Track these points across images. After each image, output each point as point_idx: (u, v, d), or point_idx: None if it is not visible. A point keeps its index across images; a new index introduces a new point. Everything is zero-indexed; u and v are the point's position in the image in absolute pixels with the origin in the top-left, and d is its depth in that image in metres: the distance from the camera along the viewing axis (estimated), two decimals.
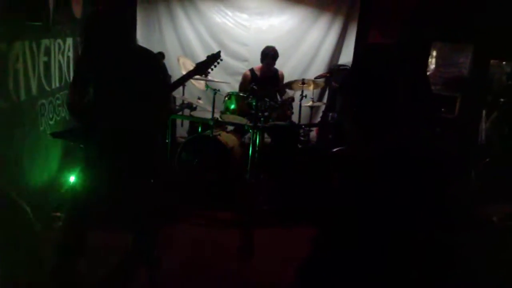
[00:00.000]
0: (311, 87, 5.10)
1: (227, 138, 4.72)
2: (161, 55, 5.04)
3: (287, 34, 5.97)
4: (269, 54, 5.10)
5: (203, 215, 4.02)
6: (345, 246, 1.79)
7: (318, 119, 5.99)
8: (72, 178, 3.52)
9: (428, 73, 5.28)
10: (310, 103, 5.04)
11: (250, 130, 4.47)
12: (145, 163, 2.75)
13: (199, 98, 5.20)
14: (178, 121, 5.37)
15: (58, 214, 3.34)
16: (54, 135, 3.45)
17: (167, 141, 4.63)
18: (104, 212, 3.08)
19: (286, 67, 5.77)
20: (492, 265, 2.84)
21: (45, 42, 3.55)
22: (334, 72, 5.78)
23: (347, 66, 5.89)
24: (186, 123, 5.42)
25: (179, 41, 5.94)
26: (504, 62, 5.12)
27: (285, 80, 5.39)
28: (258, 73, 5.29)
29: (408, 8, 5.00)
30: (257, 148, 4.36)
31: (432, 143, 1.94)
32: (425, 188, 1.81)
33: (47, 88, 3.64)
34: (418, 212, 1.77)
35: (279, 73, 5.38)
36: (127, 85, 2.55)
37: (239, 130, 5.11)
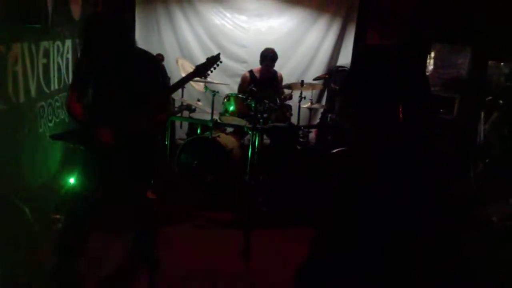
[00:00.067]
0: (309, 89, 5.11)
1: (226, 139, 4.72)
2: (160, 57, 5.06)
3: (286, 35, 5.98)
4: (268, 56, 5.10)
5: (202, 216, 4.01)
6: (344, 247, 1.79)
7: (317, 120, 6.00)
8: (71, 180, 3.52)
9: (427, 74, 5.28)
10: (308, 105, 5.05)
11: (249, 132, 4.47)
12: (145, 165, 2.76)
13: (198, 100, 5.20)
14: (177, 123, 5.38)
15: (58, 216, 3.34)
16: (54, 137, 3.44)
17: (166, 143, 4.63)
18: (104, 213, 3.08)
19: (285, 69, 5.78)
20: (492, 265, 2.85)
21: (44, 44, 3.56)
22: (332, 73, 5.79)
23: (346, 67, 5.90)
24: (185, 124, 5.43)
25: (177, 43, 5.94)
26: (502, 63, 5.13)
27: (284, 82, 5.40)
28: (257, 74, 5.29)
29: (406, 10, 5.02)
30: (256, 150, 4.36)
31: (432, 143, 1.94)
32: (425, 189, 1.81)
33: (46, 90, 3.64)
34: (418, 213, 1.78)
35: (278, 74, 5.38)
36: (126, 87, 2.55)
37: (238, 132, 5.11)
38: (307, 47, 6.04)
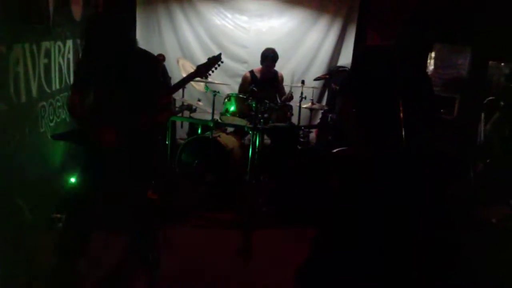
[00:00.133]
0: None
1: (227, 139, 4.72)
2: (161, 57, 5.06)
3: (286, 36, 5.99)
4: (269, 56, 5.11)
5: (202, 216, 4.02)
6: (344, 247, 1.79)
7: (318, 120, 6.01)
8: (72, 180, 3.53)
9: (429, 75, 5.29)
10: (309, 105, 5.05)
11: (250, 132, 4.47)
12: (145, 165, 2.76)
13: (199, 100, 5.21)
14: (178, 123, 5.38)
15: (59, 215, 3.35)
16: (55, 137, 3.46)
17: (167, 142, 4.63)
18: (104, 213, 3.09)
19: (286, 69, 5.79)
20: (491, 265, 2.85)
21: (45, 44, 3.56)
22: (333, 73, 5.80)
23: (346, 67, 5.91)
24: (186, 124, 5.43)
25: (178, 43, 5.95)
26: (502, 63, 5.13)
27: (285, 82, 5.41)
28: (258, 75, 5.30)
29: (406, 10, 5.01)
30: (256, 150, 4.37)
31: (432, 144, 1.95)
32: (425, 189, 1.82)
33: (47, 90, 3.64)
34: (417, 213, 1.79)
35: (279, 75, 5.39)
36: (127, 87, 2.56)
37: (239, 132, 5.12)
38: (307, 47, 6.05)
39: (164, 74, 5.03)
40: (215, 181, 4.50)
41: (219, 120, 4.64)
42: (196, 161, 4.50)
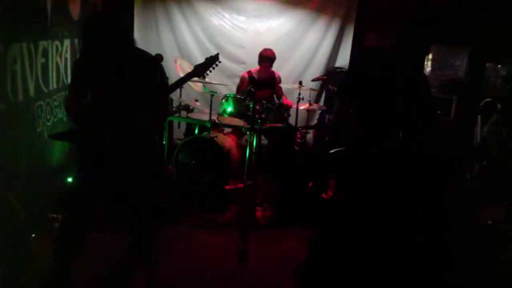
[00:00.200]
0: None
1: (224, 140, 4.72)
2: (159, 57, 5.06)
3: (284, 36, 5.99)
4: (267, 57, 5.11)
5: (200, 216, 4.01)
6: (344, 247, 1.80)
7: (315, 121, 6.01)
8: (69, 179, 3.52)
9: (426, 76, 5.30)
10: (306, 106, 5.05)
11: (247, 132, 4.48)
12: (144, 165, 2.75)
13: (196, 100, 5.21)
14: (175, 123, 5.37)
15: (55, 215, 3.34)
16: (52, 136, 3.44)
17: (164, 142, 4.63)
18: (102, 213, 3.08)
19: (284, 70, 5.79)
20: (490, 265, 2.86)
21: (42, 43, 3.55)
22: (331, 74, 5.81)
23: (344, 68, 5.92)
24: (183, 125, 5.42)
25: (176, 43, 5.94)
26: (499, 65, 5.15)
27: (282, 83, 5.41)
28: (255, 75, 5.30)
29: (404, 11, 5.03)
30: (254, 150, 4.37)
31: (430, 145, 1.96)
32: (422, 190, 1.83)
33: (44, 89, 3.63)
34: (416, 213, 1.79)
35: (276, 75, 5.39)
36: (125, 87, 2.56)
37: (236, 132, 5.12)
38: (305, 48, 6.05)
39: (161, 74, 5.02)
40: (212, 182, 4.49)
41: (217, 121, 4.64)
42: (193, 162, 4.49)
